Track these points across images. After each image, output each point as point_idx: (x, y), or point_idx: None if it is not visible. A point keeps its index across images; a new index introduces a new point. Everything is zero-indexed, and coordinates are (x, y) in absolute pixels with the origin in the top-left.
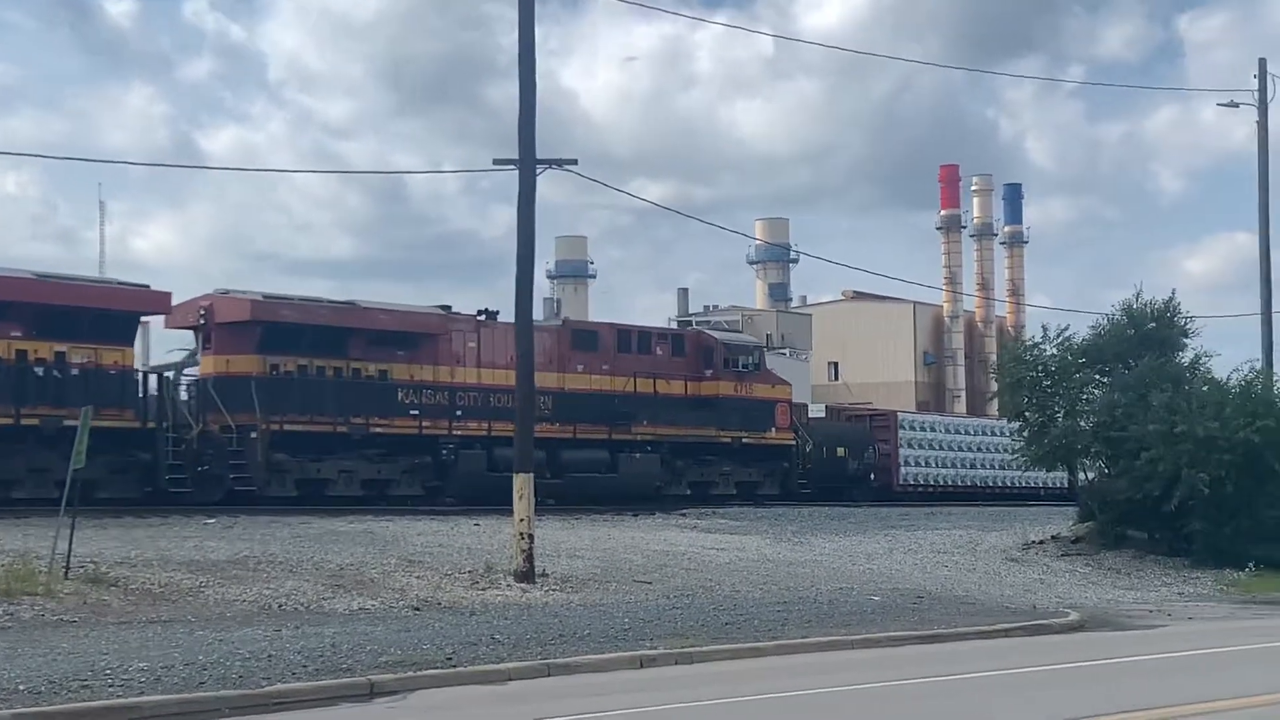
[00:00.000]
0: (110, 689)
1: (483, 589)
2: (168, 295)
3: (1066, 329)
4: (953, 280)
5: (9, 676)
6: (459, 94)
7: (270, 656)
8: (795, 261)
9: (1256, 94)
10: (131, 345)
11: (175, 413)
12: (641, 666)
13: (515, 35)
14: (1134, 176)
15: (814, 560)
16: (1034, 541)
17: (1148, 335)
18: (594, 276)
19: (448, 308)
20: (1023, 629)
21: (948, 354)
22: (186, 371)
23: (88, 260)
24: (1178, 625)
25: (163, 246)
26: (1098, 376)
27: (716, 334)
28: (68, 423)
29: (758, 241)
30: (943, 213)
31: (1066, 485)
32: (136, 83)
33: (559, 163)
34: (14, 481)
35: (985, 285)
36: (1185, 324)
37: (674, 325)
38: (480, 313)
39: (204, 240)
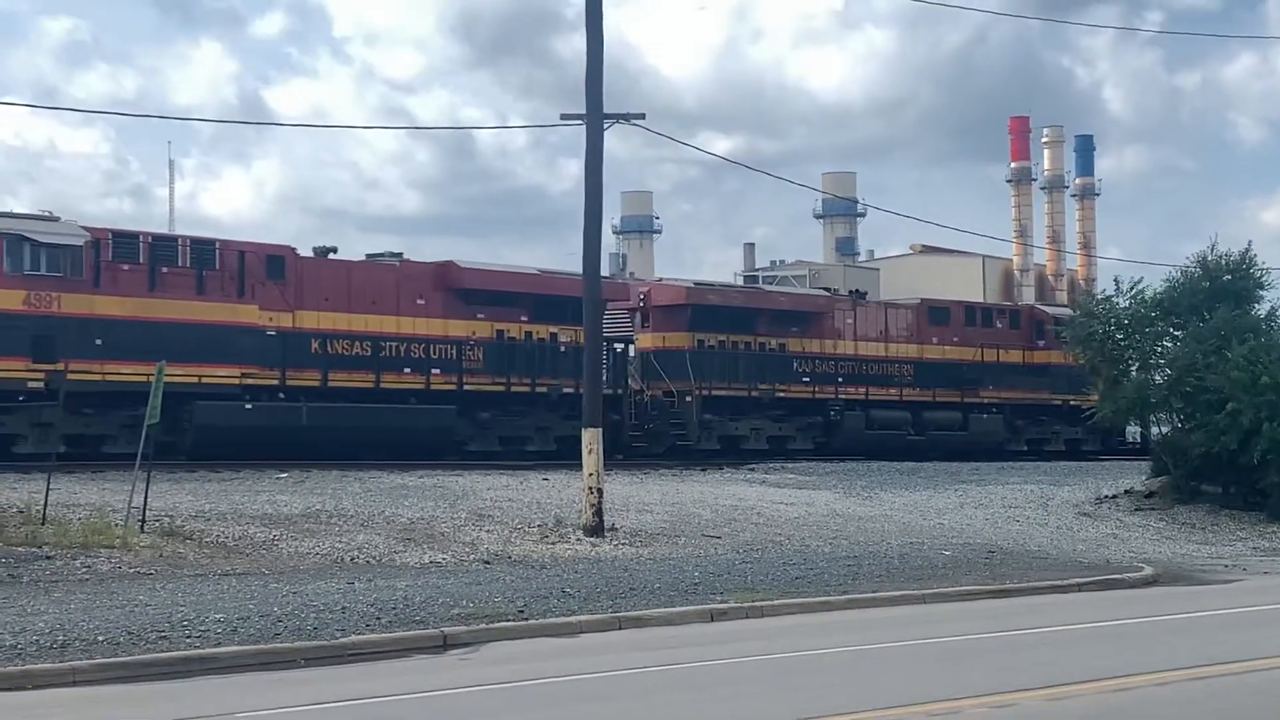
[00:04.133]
0: (188, 640)
1: (552, 543)
2: (627, 285)
3: (1139, 281)
4: (1023, 233)
5: (88, 627)
6: (526, 47)
7: (344, 609)
8: (863, 215)
9: None
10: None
11: (630, 380)
12: (712, 620)
13: None
14: (1211, 126)
15: (884, 515)
16: (1106, 496)
17: (1223, 288)
18: (659, 232)
19: (829, 289)
20: (1096, 583)
21: None
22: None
23: (159, 216)
24: (1254, 580)
25: (232, 203)
26: (1171, 330)
27: (1047, 309)
28: (565, 390)
29: (824, 195)
30: (1013, 165)
31: (1139, 439)
32: (205, 39)
33: (626, 117)
34: (526, 438)
35: (1056, 238)
36: (1261, 276)
37: (741, 280)
38: (852, 292)
39: (273, 197)
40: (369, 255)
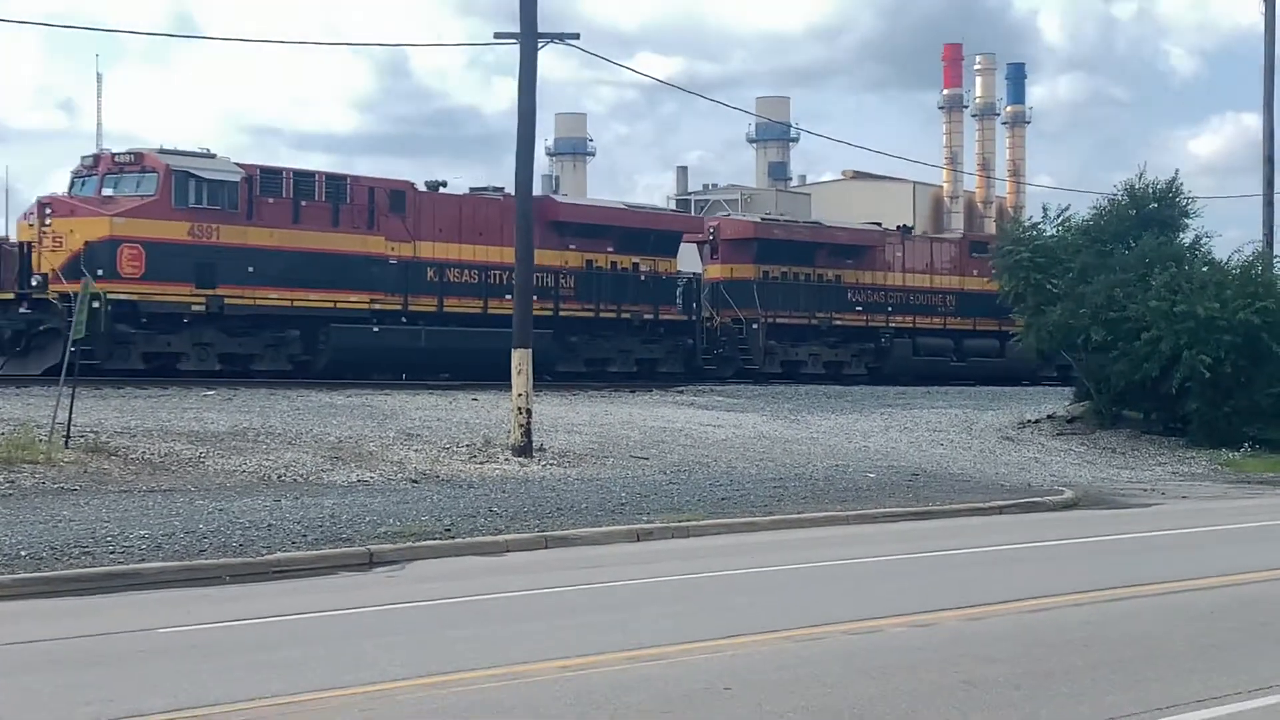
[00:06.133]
0: (112, 555)
1: (481, 463)
2: (701, 220)
3: (1067, 209)
4: (954, 160)
5: (11, 542)
6: None
7: (270, 526)
8: (795, 140)
9: None
10: (675, 257)
11: (701, 307)
12: (638, 540)
13: None
14: (1145, 55)
15: (810, 438)
16: (1030, 421)
17: (1149, 215)
18: (593, 154)
19: (878, 224)
20: (1016, 506)
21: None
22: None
23: (86, 131)
24: (1171, 504)
25: (162, 118)
26: (1097, 258)
27: None
28: (645, 316)
29: (758, 119)
30: (945, 92)
31: (1060, 366)
32: None
33: (561, 37)
34: (609, 360)
35: (986, 165)
36: (1187, 204)
37: (673, 204)
38: (900, 227)
39: (204, 113)
40: (473, 189)
